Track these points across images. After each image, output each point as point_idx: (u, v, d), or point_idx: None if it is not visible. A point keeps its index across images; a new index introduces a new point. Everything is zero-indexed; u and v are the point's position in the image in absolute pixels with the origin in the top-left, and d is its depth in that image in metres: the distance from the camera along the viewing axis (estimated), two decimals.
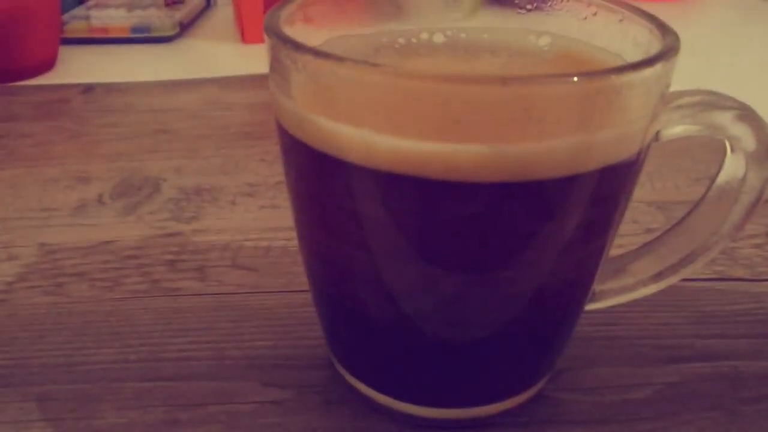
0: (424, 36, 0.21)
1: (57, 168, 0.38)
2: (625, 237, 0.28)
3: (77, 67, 0.56)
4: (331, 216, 0.17)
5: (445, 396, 0.20)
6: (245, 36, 0.62)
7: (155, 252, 0.30)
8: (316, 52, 0.15)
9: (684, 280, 0.21)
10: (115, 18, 0.63)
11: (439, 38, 0.21)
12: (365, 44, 0.20)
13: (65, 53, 0.58)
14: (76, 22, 0.62)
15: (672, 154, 0.38)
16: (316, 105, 0.15)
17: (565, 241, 0.17)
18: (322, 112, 0.15)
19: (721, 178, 0.20)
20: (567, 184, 0.15)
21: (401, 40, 0.21)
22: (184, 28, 0.65)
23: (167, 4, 0.68)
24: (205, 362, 0.24)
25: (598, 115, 0.15)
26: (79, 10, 0.66)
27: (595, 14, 0.20)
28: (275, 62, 0.17)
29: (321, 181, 0.17)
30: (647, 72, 0.15)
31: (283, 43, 0.15)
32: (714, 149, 0.40)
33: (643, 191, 0.35)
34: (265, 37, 0.17)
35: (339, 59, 0.14)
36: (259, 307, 0.26)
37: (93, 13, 0.65)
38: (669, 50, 0.15)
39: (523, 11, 0.22)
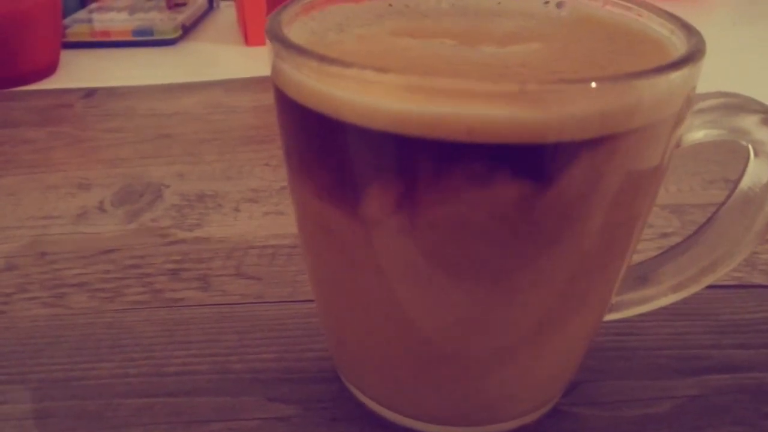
0: (432, 2, 0.20)
1: (58, 174, 0.38)
2: (640, 242, 0.27)
3: (79, 71, 0.55)
4: (333, 191, 0.16)
5: (457, 413, 0.20)
6: (248, 38, 0.62)
7: (157, 261, 0.29)
8: (321, 58, 0.14)
9: None
10: (117, 21, 0.63)
11: (447, 3, 0.20)
12: (368, 10, 0.19)
13: (68, 57, 0.57)
14: (78, 26, 0.62)
15: (686, 157, 0.37)
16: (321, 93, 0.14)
17: (585, 245, 0.16)
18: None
19: (744, 184, 0.19)
20: (587, 189, 0.15)
21: (409, 4, 0.20)
22: (187, 30, 0.65)
23: (170, 7, 0.67)
24: (208, 376, 0.23)
25: (619, 119, 0.14)
26: (81, 14, 0.66)
27: None
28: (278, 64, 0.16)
29: (321, 146, 0.16)
30: (674, 75, 0.14)
31: (286, 48, 0.15)
32: (729, 151, 0.40)
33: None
34: (267, 42, 0.16)
35: (345, 65, 0.13)
36: (263, 318, 0.26)
37: (95, 16, 0.64)
38: (696, 52, 0.15)
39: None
